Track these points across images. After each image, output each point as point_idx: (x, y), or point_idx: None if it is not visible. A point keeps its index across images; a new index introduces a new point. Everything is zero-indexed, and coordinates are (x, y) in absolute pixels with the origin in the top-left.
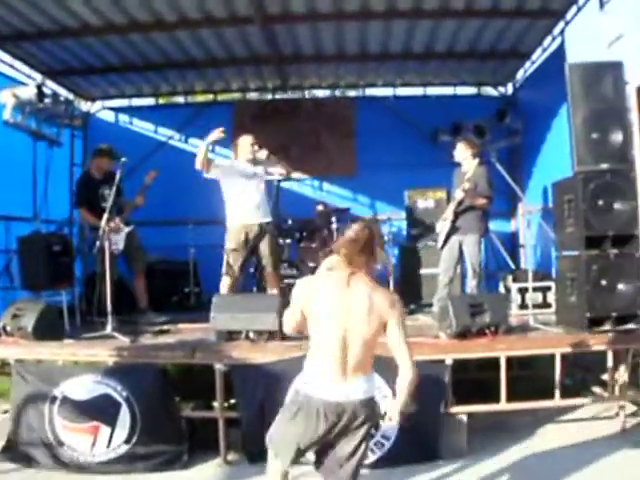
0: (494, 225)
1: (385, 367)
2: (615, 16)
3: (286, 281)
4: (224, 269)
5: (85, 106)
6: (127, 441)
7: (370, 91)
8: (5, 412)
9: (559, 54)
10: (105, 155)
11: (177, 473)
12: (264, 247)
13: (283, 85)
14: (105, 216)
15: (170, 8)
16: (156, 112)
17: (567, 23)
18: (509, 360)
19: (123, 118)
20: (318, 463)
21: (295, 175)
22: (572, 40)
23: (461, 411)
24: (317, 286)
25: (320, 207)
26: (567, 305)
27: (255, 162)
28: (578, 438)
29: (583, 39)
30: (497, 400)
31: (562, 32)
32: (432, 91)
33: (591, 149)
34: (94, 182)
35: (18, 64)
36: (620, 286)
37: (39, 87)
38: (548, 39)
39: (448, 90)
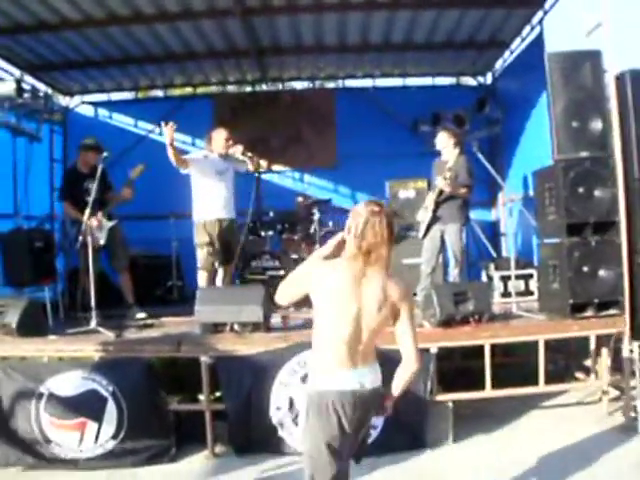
0: (475, 214)
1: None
2: (593, 4)
3: (268, 273)
4: (199, 263)
5: (64, 101)
6: (114, 436)
7: (349, 82)
8: None
9: (538, 43)
10: (91, 149)
11: (165, 467)
12: (233, 242)
13: (262, 77)
14: (87, 211)
15: (149, 1)
16: (135, 106)
17: (546, 12)
18: (493, 347)
19: (102, 112)
20: None
21: (275, 167)
22: (551, 29)
23: (446, 399)
24: (333, 272)
25: (300, 199)
26: (549, 292)
27: (227, 157)
28: (562, 423)
29: (562, 28)
30: (482, 387)
31: (541, 21)
32: (411, 82)
33: (571, 137)
34: (80, 176)
35: None
36: (601, 272)
37: (18, 82)
38: (527, 28)
39: (427, 80)
